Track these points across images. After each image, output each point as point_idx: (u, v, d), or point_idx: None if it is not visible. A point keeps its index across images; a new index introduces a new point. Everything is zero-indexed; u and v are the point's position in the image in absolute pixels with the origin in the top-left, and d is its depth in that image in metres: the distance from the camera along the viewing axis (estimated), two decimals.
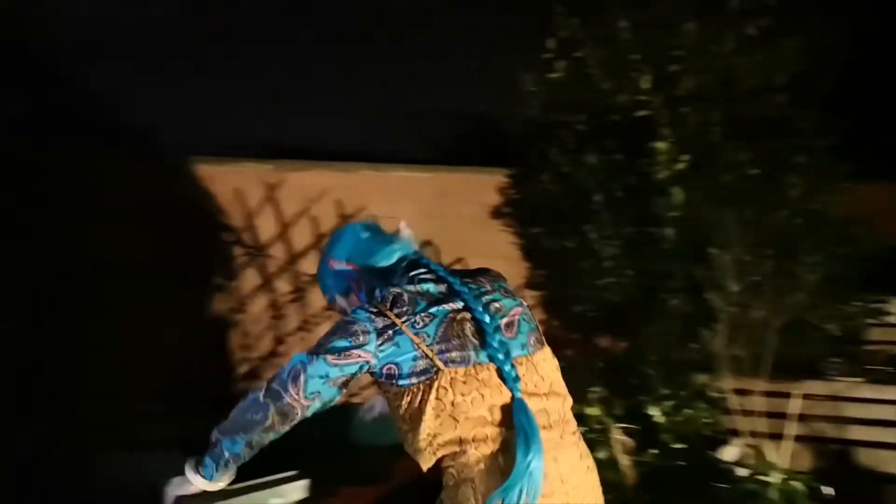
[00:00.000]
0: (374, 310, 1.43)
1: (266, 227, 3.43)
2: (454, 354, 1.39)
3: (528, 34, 3.74)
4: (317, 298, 3.47)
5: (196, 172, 3.28)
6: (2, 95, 3.24)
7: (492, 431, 1.36)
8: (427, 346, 1.39)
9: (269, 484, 1.59)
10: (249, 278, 3.40)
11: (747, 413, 2.84)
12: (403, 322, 1.41)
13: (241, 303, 3.35)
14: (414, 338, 1.39)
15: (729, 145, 3.05)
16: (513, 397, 1.37)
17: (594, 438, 2.86)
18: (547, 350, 1.53)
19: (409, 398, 1.39)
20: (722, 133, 3.09)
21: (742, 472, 2.71)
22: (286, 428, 1.43)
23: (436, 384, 1.37)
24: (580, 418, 2.94)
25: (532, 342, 1.48)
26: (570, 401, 1.52)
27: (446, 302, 1.44)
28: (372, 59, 4.20)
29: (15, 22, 3.29)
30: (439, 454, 1.38)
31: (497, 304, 1.47)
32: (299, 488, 1.61)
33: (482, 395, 1.37)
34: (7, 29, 3.33)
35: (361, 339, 1.40)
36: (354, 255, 1.60)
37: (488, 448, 1.36)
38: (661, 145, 3.08)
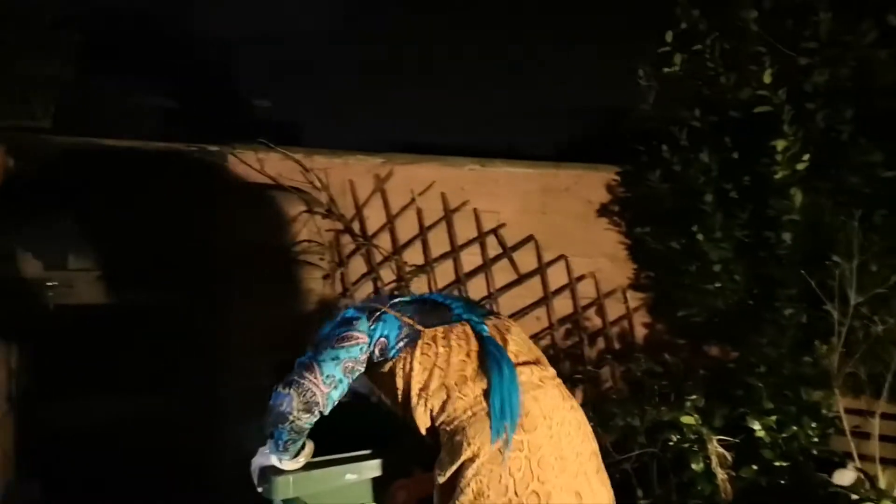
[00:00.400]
0: (362, 305, 1.77)
1: (374, 218, 3.55)
2: (433, 320, 1.65)
3: (644, 27, 3.63)
4: (417, 287, 3.57)
5: (313, 164, 3.45)
6: (160, 90, 3.61)
7: (471, 372, 1.55)
8: (408, 317, 1.66)
9: (345, 460, 1.67)
10: (356, 266, 3.53)
11: (862, 435, 2.61)
12: (388, 307, 1.71)
13: (347, 288, 3.49)
14: (397, 314, 1.68)
15: (858, 145, 2.80)
16: (482, 336, 1.61)
17: (688, 448, 2.75)
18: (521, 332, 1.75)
19: (401, 365, 1.59)
20: (852, 131, 2.85)
21: (854, 497, 2.49)
22: (311, 417, 1.61)
23: (419, 342, 1.60)
24: (676, 427, 2.85)
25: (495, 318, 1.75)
26: (550, 369, 1.68)
27: (421, 301, 1.79)
28: (484, 56, 4.24)
29: (172, 21, 3.63)
30: (430, 405, 1.56)
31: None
32: (374, 467, 1.68)
33: (459, 345, 1.60)
34: (166, 27, 3.67)
35: (354, 324, 1.67)
36: None
37: (471, 391, 1.53)
38: (781, 143, 2.89)
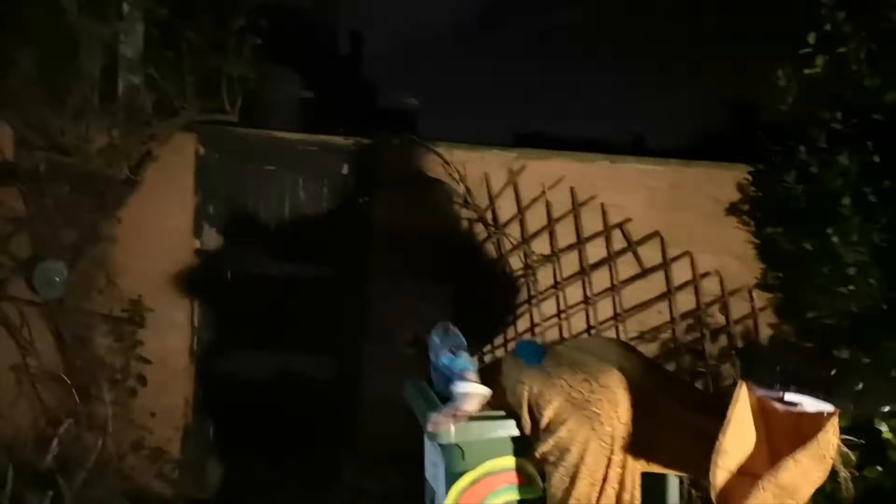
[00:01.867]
0: None
1: (506, 209, 3.79)
2: None
3: (786, 28, 3.61)
4: (543, 277, 3.77)
5: (453, 157, 3.75)
6: (298, 82, 4.02)
7: None
8: None
9: (497, 418, 1.92)
10: (487, 253, 3.79)
11: None
12: None
13: (478, 273, 3.76)
14: None
15: None
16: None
17: None
18: None
19: None
20: None
21: None
22: None
23: None
24: None
25: None
26: None
27: None
28: (622, 54, 4.33)
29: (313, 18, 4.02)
30: None
31: None
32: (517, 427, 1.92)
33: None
34: (321, 29, 4.07)
35: None
36: None
37: None
38: None
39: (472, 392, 1.92)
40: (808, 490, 1.64)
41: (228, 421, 3.74)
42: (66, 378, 3.38)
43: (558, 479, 1.78)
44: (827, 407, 1.69)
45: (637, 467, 1.79)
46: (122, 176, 3.45)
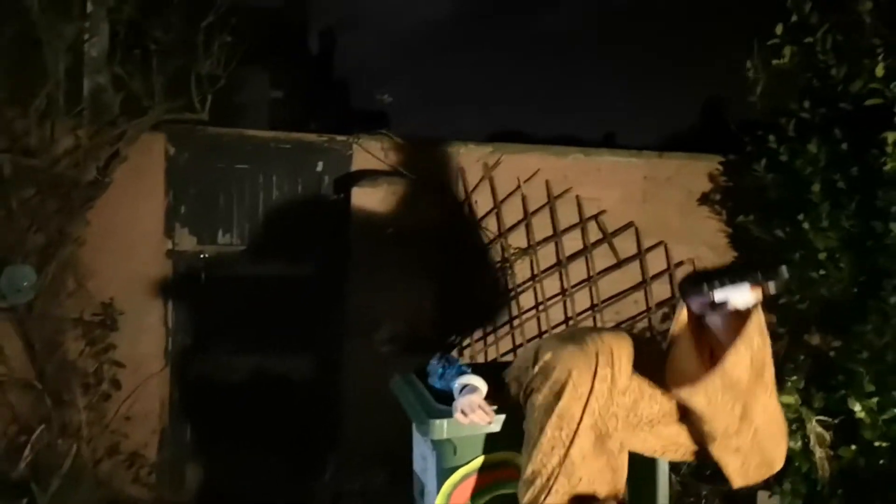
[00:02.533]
0: None
1: (482, 203, 3.79)
2: None
3: (754, 20, 3.67)
4: (520, 270, 3.79)
5: (428, 152, 3.74)
6: (281, 81, 3.98)
7: None
8: None
9: None
10: (465, 247, 3.79)
11: None
12: None
13: (456, 268, 3.76)
14: None
15: None
16: None
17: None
18: None
19: None
20: None
21: None
22: None
23: None
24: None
25: None
26: None
27: None
28: (595, 50, 4.37)
29: (298, 20, 4.00)
30: None
31: None
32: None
33: None
34: (296, 29, 4.03)
35: None
36: None
37: None
38: (892, 135, 2.92)
39: (469, 382, 1.93)
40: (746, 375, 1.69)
41: (206, 423, 3.69)
42: (37, 384, 3.29)
43: (542, 400, 1.73)
44: (751, 298, 1.73)
45: (622, 383, 1.77)
46: (90, 177, 3.37)
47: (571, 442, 1.69)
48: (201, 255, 3.63)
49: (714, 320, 1.75)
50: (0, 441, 3.33)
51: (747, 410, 1.71)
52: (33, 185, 3.28)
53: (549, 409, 1.71)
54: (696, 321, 1.79)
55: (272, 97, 3.95)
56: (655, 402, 1.78)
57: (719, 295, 1.73)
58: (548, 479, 1.68)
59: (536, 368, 1.78)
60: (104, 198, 3.43)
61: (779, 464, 1.83)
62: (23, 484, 2.93)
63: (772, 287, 1.76)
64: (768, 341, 1.75)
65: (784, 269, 1.76)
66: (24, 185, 3.26)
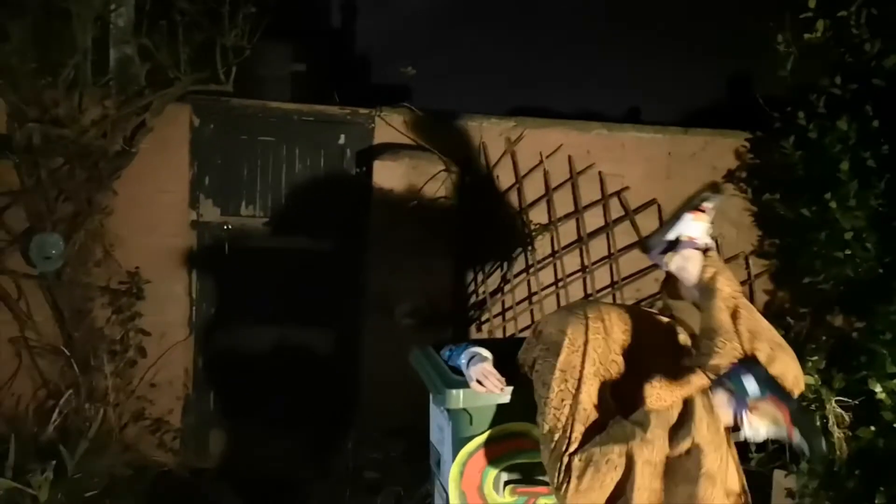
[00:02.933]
0: None
1: (504, 178, 3.78)
2: None
3: None
4: (541, 246, 3.78)
5: (451, 126, 3.73)
6: (304, 54, 3.98)
7: None
8: None
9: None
10: (486, 222, 3.79)
11: None
12: None
13: (476, 243, 3.76)
14: None
15: None
16: None
17: (806, 407, 2.84)
18: None
19: None
20: None
21: None
22: None
23: None
24: None
25: None
26: None
27: None
28: (621, 24, 4.30)
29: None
30: None
31: None
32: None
33: None
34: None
35: None
36: None
37: None
38: None
39: (475, 352, 1.97)
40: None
41: (229, 392, 3.77)
42: (65, 350, 3.38)
43: (544, 364, 1.81)
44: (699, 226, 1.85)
45: (617, 335, 1.84)
46: (117, 147, 3.42)
47: (577, 389, 1.74)
48: (225, 227, 3.68)
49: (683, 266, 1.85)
50: (29, 405, 3.44)
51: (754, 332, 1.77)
52: (62, 155, 3.34)
53: (552, 368, 1.78)
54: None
55: (295, 69, 3.96)
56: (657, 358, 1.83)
57: (671, 234, 1.84)
58: (564, 431, 1.71)
59: (538, 342, 1.87)
60: (130, 168, 3.48)
61: (802, 378, 1.86)
62: (51, 447, 3.02)
63: (711, 203, 1.86)
64: (729, 274, 1.85)
65: (722, 187, 1.87)
66: (53, 155, 3.32)
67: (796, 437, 1.67)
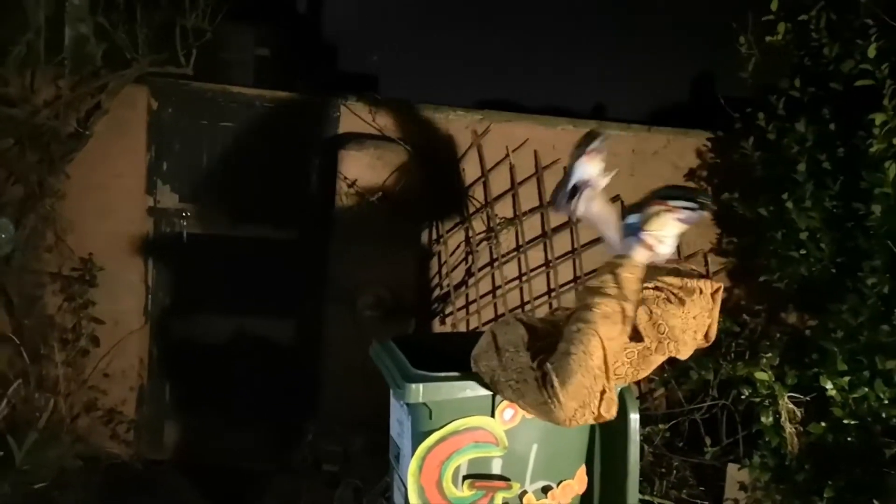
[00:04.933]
0: None
1: (470, 171, 3.77)
2: None
3: None
4: (505, 240, 3.79)
5: (417, 117, 3.70)
6: (268, 39, 3.89)
7: None
8: None
9: (465, 377, 1.93)
10: (451, 215, 3.78)
11: None
12: None
13: (441, 235, 3.75)
14: None
15: None
16: None
17: (760, 403, 2.91)
18: None
19: None
20: None
21: None
22: None
23: None
24: (749, 382, 3.01)
25: None
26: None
27: None
28: (584, 21, 4.31)
29: None
30: None
31: None
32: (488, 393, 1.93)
33: None
34: None
35: None
36: None
37: None
38: (880, 117, 2.92)
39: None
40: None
41: (185, 382, 3.69)
42: (14, 338, 3.27)
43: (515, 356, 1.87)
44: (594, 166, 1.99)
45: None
46: (70, 129, 3.31)
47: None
48: (183, 214, 3.60)
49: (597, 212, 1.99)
50: None
51: None
52: (12, 136, 3.22)
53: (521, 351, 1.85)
54: None
55: (259, 54, 3.87)
56: None
57: (570, 184, 2.00)
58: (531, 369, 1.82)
59: (497, 353, 1.89)
60: (85, 152, 3.38)
61: None
62: None
63: (596, 144, 1.99)
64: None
65: (602, 132, 2.03)
66: (3, 135, 3.21)
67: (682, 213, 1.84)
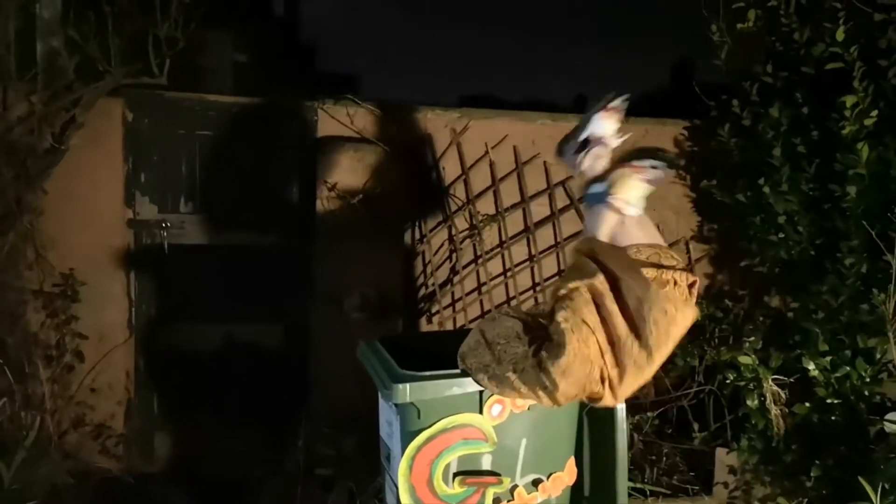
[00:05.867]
0: None
1: (450, 169, 3.78)
2: None
3: None
4: (488, 237, 3.80)
5: (395, 118, 3.70)
6: (243, 45, 3.88)
7: None
8: None
9: (452, 376, 1.94)
10: (433, 214, 3.79)
11: None
12: None
13: (424, 234, 3.76)
14: None
15: None
16: None
17: (745, 387, 2.94)
18: None
19: None
20: None
21: None
22: None
23: None
24: (734, 366, 3.05)
25: None
26: None
27: None
28: (555, 13, 4.33)
29: None
30: None
31: None
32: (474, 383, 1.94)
33: None
34: None
35: None
36: None
37: None
38: (850, 99, 2.96)
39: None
40: None
41: (174, 394, 3.67)
42: None
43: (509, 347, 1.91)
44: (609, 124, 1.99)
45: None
46: (46, 145, 3.27)
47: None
48: (163, 224, 3.57)
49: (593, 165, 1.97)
50: None
51: None
52: None
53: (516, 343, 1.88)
54: None
55: (234, 61, 3.86)
56: None
57: (581, 136, 1.95)
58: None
59: (487, 347, 1.92)
60: (62, 166, 3.34)
61: None
62: None
63: (617, 102, 1.96)
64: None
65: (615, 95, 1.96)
66: None
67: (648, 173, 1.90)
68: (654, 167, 1.92)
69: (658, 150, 2.05)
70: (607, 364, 1.81)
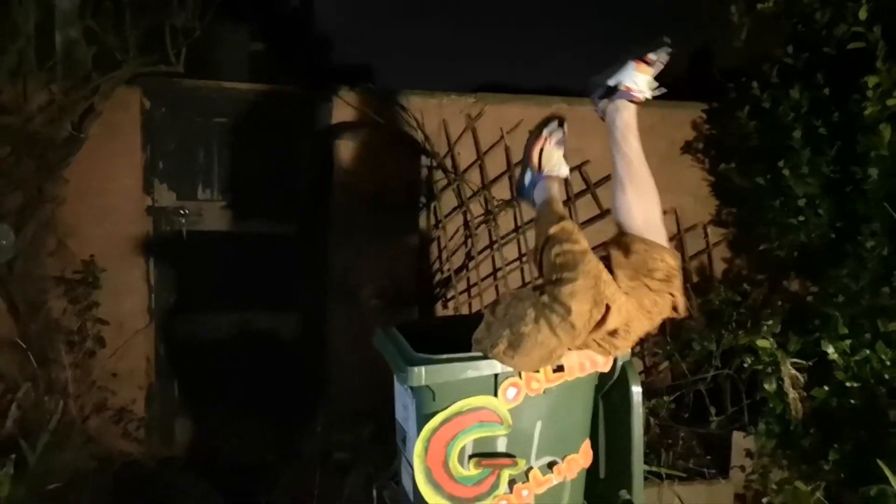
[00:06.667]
0: None
1: (465, 155, 3.77)
2: None
3: None
4: (504, 221, 3.79)
5: (410, 105, 3.69)
6: (259, 33, 3.90)
7: None
8: None
9: (467, 359, 1.94)
10: (447, 200, 3.78)
11: None
12: None
13: (439, 220, 3.76)
14: None
15: None
16: None
17: (762, 370, 2.92)
18: None
19: None
20: None
21: None
22: None
23: None
24: (752, 350, 3.02)
25: None
26: None
27: None
28: None
29: None
30: None
31: None
32: (490, 365, 1.94)
33: None
34: None
35: None
36: None
37: None
38: (873, 79, 2.91)
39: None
40: None
41: (193, 379, 3.72)
42: (21, 343, 3.29)
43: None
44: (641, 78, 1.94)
45: None
46: (65, 134, 3.31)
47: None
48: (182, 211, 3.61)
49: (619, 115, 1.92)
50: None
51: None
52: (8, 144, 3.23)
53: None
54: None
55: (251, 49, 3.88)
56: None
57: (611, 80, 1.87)
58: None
59: (499, 322, 1.92)
60: (81, 155, 3.38)
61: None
62: (11, 441, 2.95)
63: (656, 56, 1.85)
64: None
65: (665, 40, 1.84)
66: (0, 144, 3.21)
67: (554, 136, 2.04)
68: (550, 132, 2.11)
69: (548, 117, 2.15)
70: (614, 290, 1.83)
